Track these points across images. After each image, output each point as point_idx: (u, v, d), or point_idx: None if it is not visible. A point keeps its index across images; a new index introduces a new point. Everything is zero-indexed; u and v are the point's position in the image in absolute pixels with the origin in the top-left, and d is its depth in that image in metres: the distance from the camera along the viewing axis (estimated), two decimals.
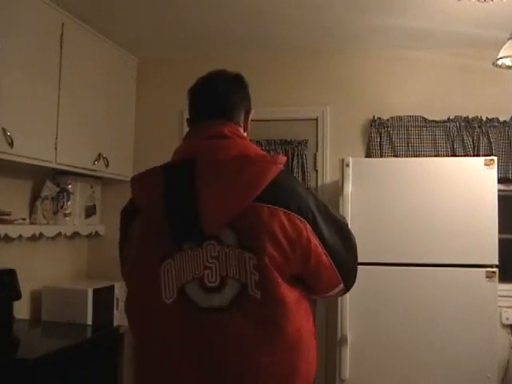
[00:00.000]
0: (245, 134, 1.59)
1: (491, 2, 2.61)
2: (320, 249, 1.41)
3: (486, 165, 2.78)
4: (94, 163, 3.16)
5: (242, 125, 1.60)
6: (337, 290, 1.54)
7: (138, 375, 1.48)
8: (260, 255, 1.33)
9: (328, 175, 3.49)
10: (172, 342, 1.37)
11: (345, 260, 1.51)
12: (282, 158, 1.43)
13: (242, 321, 1.34)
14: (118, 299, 3.22)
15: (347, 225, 1.55)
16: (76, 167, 3.04)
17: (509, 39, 2.74)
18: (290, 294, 1.38)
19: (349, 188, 2.86)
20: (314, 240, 1.39)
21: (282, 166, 1.41)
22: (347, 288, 1.58)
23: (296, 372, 1.40)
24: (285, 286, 1.36)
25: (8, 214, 2.77)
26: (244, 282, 1.33)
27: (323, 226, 1.42)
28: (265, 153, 1.50)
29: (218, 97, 1.63)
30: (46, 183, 3.10)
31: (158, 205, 1.38)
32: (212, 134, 1.47)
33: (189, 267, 1.37)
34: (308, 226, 1.38)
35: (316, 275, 1.44)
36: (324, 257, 1.42)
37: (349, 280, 1.56)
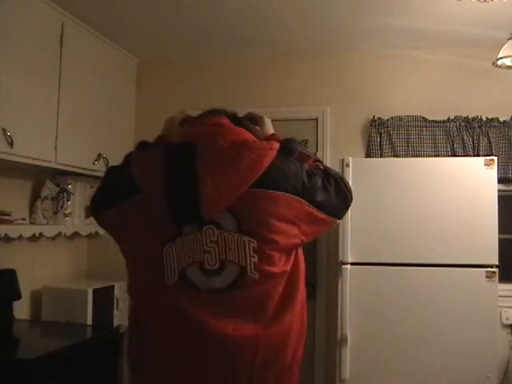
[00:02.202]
0: None
1: (491, 2, 2.61)
2: (319, 214, 1.49)
3: (486, 165, 2.78)
4: (93, 163, 3.16)
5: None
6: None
7: (135, 340, 1.53)
8: (259, 239, 1.40)
9: None
10: (172, 320, 1.44)
11: (343, 210, 1.61)
12: (276, 144, 1.49)
13: (240, 299, 1.41)
14: (117, 299, 3.22)
15: (341, 180, 1.60)
16: (76, 167, 3.04)
17: (509, 39, 2.74)
18: (287, 267, 1.46)
19: None
20: (312, 211, 1.47)
21: (276, 151, 1.46)
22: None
23: (288, 341, 1.47)
24: (283, 262, 1.44)
25: (8, 214, 2.77)
26: (243, 265, 1.40)
27: (319, 197, 1.49)
28: (258, 139, 1.55)
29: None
30: (46, 183, 3.10)
31: (159, 188, 1.41)
32: (211, 122, 1.54)
33: (189, 251, 1.42)
34: (305, 203, 1.46)
35: (317, 231, 1.57)
36: (322, 216, 1.50)
37: (342, 215, 1.63)
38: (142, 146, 1.72)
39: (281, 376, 1.48)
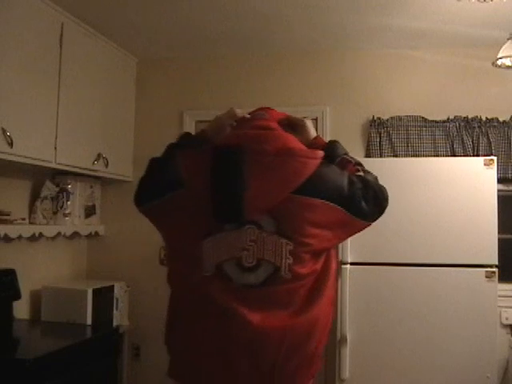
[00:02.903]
0: None
1: (491, 2, 2.61)
2: (354, 220, 1.57)
3: (485, 165, 2.78)
4: (93, 163, 3.16)
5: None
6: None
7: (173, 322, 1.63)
8: (296, 242, 1.48)
9: None
10: (203, 309, 1.53)
11: (376, 216, 1.65)
12: (321, 153, 1.57)
13: (270, 294, 1.50)
14: (117, 299, 3.22)
15: (379, 188, 1.68)
16: (76, 167, 3.04)
17: (509, 39, 2.74)
18: (318, 264, 1.55)
19: None
20: (348, 217, 1.55)
21: (319, 160, 1.54)
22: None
23: (317, 327, 1.57)
24: (312, 263, 1.53)
25: (8, 214, 2.78)
26: (278, 265, 1.49)
27: (357, 205, 1.56)
28: (304, 147, 1.61)
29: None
30: (46, 183, 3.10)
31: (206, 187, 1.49)
32: (260, 126, 1.60)
33: (228, 247, 1.51)
34: (342, 210, 1.53)
35: (350, 234, 1.65)
36: (357, 222, 1.58)
37: (375, 220, 1.68)
38: (186, 138, 1.77)
39: (302, 365, 1.56)
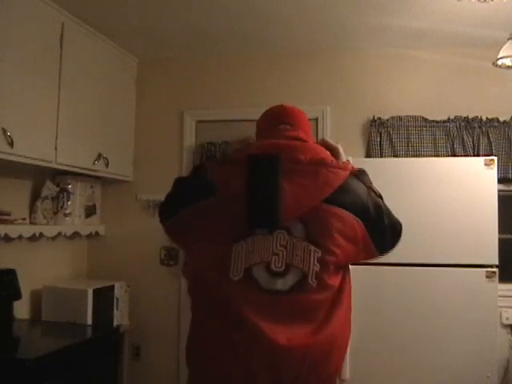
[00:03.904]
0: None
1: (491, 2, 2.61)
2: (371, 244, 1.63)
3: (485, 165, 2.78)
4: (93, 163, 3.16)
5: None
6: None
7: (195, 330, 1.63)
8: (324, 249, 1.53)
9: None
10: (230, 316, 1.52)
11: (388, 251, 1.73)
12: (350, 165, 1.65)
13: (295, 304, 1.52)
14: (117, 299, 3.23)
15: (399, 225, 1.75)
16: (76, 167, 3.04)
17: (509, 39, 2.74)
18: (338, 279, 1.60)
19: None
20: (368, 239, 1.61)
21: (349, 172, 1.61)
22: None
23: (336, 346, 1.58)
24: (335, 276, 1.57)
25: (8, 214, 2.78)
26: (306, 272, 1.52)
27: (376, 228, 1.62)
28: (334, 159, 1.69)
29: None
30: (46, 183, 3.10)
31: (241, 191, 1.53)
32: (291, 136, 1.66)
33: (258, 251, 1.53)
34: (363, 227, 1.59)
35: (362, 259, 1.70)
36: (372, 247, 1.64)
37: (385, 255, 1.76)
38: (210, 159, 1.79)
39: (327, 378, 1.58)
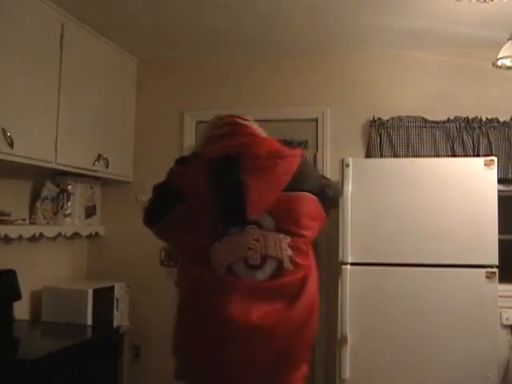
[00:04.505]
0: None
1: (491, 2, 2.61)
2: (325, 214, 1.80)
3: (485, 165, 2.78)
4: (93, 164, 3.16)
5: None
6: None
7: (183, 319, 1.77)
8: (292, 235, 1.66)
9: (328, 175, 3.47)
10: (217, 302, 1.65)
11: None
12: (299, 151, 1.77)
13: (275, 286, 1.66)
14: (117, 299, 3.23)
15: (336, 185, 2.02)
16: (76, 168, 3.04)
17: (509, 39, 2.74)
18: (309, 256, 1.74)
19: (349, 188, 2.86)
20: (323, 212, 1.78)
21: (299, 159, 1.73)
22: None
23: (310, 314, 1.72)
24: (309, 253, 1.73)
25: (8, 215, 2.77)
26: (280, 259, 1.66)
27: (328, 203, 1.80)
28: (287, 148, 1.80)
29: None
30: (46, 184, 3.10)
31: (207, 195, 1.64)
32: (246, 133, 1.76)
33: (234, 249, 1.65)
34: (320, 202, 1.75)
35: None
36: (325, 217, 1.81)
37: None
38: (181, 160, 1.89)
39: (304, 346, 1.75)
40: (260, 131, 1.87)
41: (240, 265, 1.65)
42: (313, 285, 1.75)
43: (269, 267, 1.65)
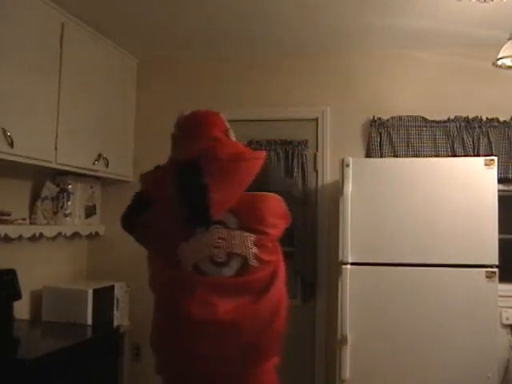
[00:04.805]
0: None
1: (491, 2, 2.61)
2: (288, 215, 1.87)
3: (486, 165, 2.78)
4: (94, 163, 3.16)
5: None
6: None
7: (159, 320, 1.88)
8: (257, 233, 1.75)
9: (328, 175, 3.49)
10: (185, 297, 1.75)
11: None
12: (263, 153, 1.86)
13: (241, 283, 1.75)
14: (117, 299, 3.23)
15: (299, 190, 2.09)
16: (76, 167, 3.04)
17: (509, 39, 2.74)
18: (275, 254, 1.82)
19: (349, 188, 2.86)
20: (287, 211, 1.85)
21: (262, 160, 1.81)
22: None
23: (277, 311, 1.81)
24: (274, 250, 1.81)
25: (8, 214, 2.78)
26: (245, 256, 1.74)
27: (291, 201, 1.87)
28: (250, 150, 1.92)
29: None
30: (46, 183, 3.10)
31: (172, 199, 1.73)
32: (210, 137, 1.83)
33: (200, 247, 1.75)
34: (284, 203, 1.83)
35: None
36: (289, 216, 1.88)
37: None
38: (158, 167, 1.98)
39: (273, 340, 1.84)
40: (226, 130, 1.91)
41: (207, 263, 1.75)
42: (281, 280, 1.83)
43: (234, 264, 1.74)
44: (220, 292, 1.73)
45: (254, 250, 1.74)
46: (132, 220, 1.91)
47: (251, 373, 1.82)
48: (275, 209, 1.78)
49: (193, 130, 1.91)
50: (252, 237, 1.74)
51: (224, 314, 1.71)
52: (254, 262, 1.75)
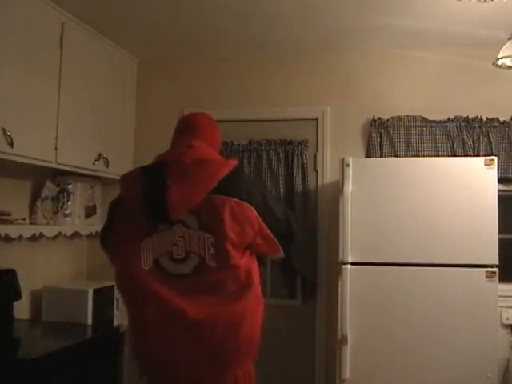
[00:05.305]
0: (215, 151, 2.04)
1: (491, 2, 2.61)
2: (265, 228, 1.89)
3: (486, 165, 2.78)
4: (94, 163, 3.16)
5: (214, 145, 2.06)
6: (279, 255, 1.99)
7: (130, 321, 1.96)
8: (216, 235, 1.81)
9: (328, 175, 3.49)
10: (147, 296, 1.84)
11: (285, 236, 1.97)
12: (233, 161, 1.92)
13: (200, 283, 1.83)
14: (118, 299, 3.22)
15: (287, 211, 2.06)
16: (76, 167, 3.04)
17: (509, 39, 2.74)
18: (241, 261, 1.85)
19: (349, 188, 2.86)
20: (260, 221, 1.88)
21: (231, 167, 1.88)
22: (287, 253, 2.02)
23: (246, 318, 1.85)
24: (237, 255, 1.83)
25: (8, 214, 2.78)
26: (202, 256, 1.82)
27: (267, 212, 1.90)
28: (221, 157, 2.00)
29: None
30: (46, 183, 3.10)
31: (138, 197, 1.85)
32: (186, 144, 1.95)
33: (162, 244, 1.85)
34: (254, 210, 1.86)
35: (263, 245, 1.93)
36: (268, 232, 1.91)
37: (288, 250, 2.00)
38: None
39: (241, 346, 1.85)
40: (210, 138, 2.02)
41: (166, 259, 1.84)
42: (253, 288, 1.87)
43: (191, 262, 1.83)
44: (182, 292, 1.81)
45: (212, 250, 1.81)
46: (105, 232, 2.08)
47: (219, 379, 1.86)
48: (241, 214, 1.83)
49: (176, 135, 2.07)
50: (211, 238, 1.81)
51: (183, 313, 1.80)
52: (211, 263, 1.81)
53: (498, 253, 2.74)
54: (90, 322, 2.91)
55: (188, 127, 2.05)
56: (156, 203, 1.81)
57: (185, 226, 1.83)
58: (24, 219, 2.95)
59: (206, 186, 1.81)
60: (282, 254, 1.99)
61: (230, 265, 1.82)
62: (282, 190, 3.45)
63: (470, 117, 3.29)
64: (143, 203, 1.83)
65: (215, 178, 1.82)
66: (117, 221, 1.97)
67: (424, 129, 3.34)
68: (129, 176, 1.99)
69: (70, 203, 3.23)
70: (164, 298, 1.81)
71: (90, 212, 3.46)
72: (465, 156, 3.21)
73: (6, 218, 2.75)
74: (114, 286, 3.19)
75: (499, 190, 2.84)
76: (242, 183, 1.89)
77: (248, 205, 1.84)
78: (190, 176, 1.82)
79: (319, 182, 3.51)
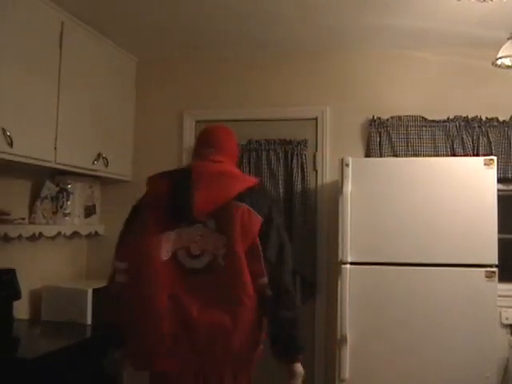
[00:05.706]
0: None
1: (491, 2, 2.61)
2: (258, 242, 2.02)
3: (485, 165, 2.78)
4: (93, 163, 3.16)
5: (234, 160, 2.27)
6: (262, 280, 2.02)
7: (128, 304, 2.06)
8: (228, 237, 1.99)
9: (328, 175, 3.49)
10: (162, 285, 1.96)
11: (273, 265, 2.04)
12: (253, 179, 2.16)
13: (211, 278, 1.99)
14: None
15: (289, 249, 2.11)
16: (75, 167, 3.04)
17: (508, 39, 2.74)
18: (245, 268, 1.97)
19: (348, 188, 2.86)
20: (256, 236, 2.01)
21: (251, 183, 2.11)
22: (273, 286, 2.03)
23: (241, 327, 1.96)
24: (244, 258, 1.97)
25: (8, 214, 2.78)
26: (215, 254, 2.00)
27: (272, 231, 2.05)
28: (240, 172, 2.23)
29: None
30: (46, 183, 3.10)
31: (167, 197, 2.04)
32: (211, 159, 2.14)
33: (181, 239, 2.02)
34: (261, 221, 2.03)
35: (250, 259, 2.01)
36: (259, 249, 2.02)
37: (273, 283, 2.03)
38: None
39: (235, 351, 1.95)
40: (232, 155, 2.24)
41: (183, 253, 2.01)
42: (248, 302, 1.96)
43: (205, 259, 1.99)
44: (190, 288, 1.96)
45: (224, 251, 1.98)
46: (122, 237, 2.17)
47: (219, 377, 1.97)
48: (246, 221, 1.99)
49: (198, 148, 2.24)
50: (224, 239, 1.99)
51: (187, 309, 1.94)
52: (221, 262, 1.98)
53: (497, 253, 2.74)
54: (89, 321, 2.91)
55: (211, 142, 2.21)
56: (183, 203, 1.99)
57: (205, 227, 2.02)
58: (23, 219, 2.95)
59: (225, 195, 2.01)
60: (265, 279, 2.02)
61: (238, 266, 1.96)
62: (281, 190, 3.45)
63: (470, 117, 3.30)
64: (170, 201, 2.02)
65: (235, 189, 2.03)
66: (137, 219, 2.11)
67: (423, 129, 3.34)
68: (157, 176, 2.15)
69: (69, 203, 3.23)
70: (175, 291, 1.95)
71: (89, 212, 3.46)
72: (464, 156, 3.21)
73: (5, 217, 2.75)
74: None
75: (499, 190, 2.84)
76: (261, 197, 2.11)
77: (258, 216, 2.02)
78: (214, 183, 2.04)
79: (319, 182, 3.51)
